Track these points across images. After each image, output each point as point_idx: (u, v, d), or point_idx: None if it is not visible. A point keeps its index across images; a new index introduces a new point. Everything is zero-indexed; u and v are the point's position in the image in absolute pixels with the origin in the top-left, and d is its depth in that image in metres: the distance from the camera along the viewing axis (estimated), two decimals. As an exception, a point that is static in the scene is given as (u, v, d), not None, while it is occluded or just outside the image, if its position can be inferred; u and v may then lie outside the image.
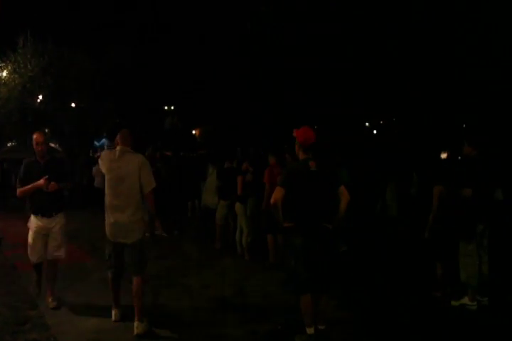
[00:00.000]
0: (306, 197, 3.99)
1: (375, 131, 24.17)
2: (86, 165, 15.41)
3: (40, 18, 20.48)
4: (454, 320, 4.68)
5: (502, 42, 11.62)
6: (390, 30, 14.01)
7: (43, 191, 4.72)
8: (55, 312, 4.74)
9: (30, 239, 4.91)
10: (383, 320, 4.66)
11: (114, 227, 4.37)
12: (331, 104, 16.53)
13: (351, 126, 19.14)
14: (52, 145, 18.96)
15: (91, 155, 20.63)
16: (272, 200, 4.02)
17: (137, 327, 4.22)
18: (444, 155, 8.24)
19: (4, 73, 18.11)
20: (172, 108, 30.24)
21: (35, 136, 4.88)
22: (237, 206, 7.25)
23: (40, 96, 18.66)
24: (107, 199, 4.40)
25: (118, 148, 4.46)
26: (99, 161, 4.56)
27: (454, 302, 5.00)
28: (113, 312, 4.56)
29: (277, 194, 3.99)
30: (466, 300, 4.94)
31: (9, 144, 22.57)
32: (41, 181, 4.69)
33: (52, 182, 4.71)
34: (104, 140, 26.09)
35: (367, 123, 23.46)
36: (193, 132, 31.14)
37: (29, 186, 4.78)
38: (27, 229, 4.97)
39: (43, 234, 4.88)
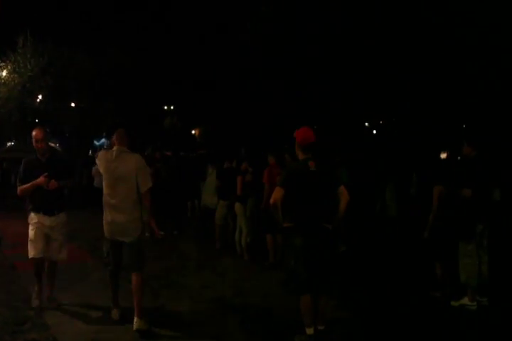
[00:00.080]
0: (305, 197, 3.99)
1: (374, 131, 24.17)
2: (85, 165, 15.42)
3: (40, 17, 20.50)
4: (454, 320, 4.68)
5: (502, 42, 11.62)
6: (390, 29, 14.01)
7: (44, 189, 4.62)
8: (55, 312, 4.73)
9: (31, 234, 4.76)
10: (383, 321, 4.66)
11: (112, 226, 4.41)
12: (331, 104, 16.53)
13: (351, 126, 19.13)
14: (52, 144, 18.95)
15: (90, 154, 20.64)
16: (271, 200, 4.02)
17: (137, 322, 4.24)
18: (443, 156, 8.24)
19: (4, 73, 18.12)
20: (172, 108, 30.26)
21: (34, 133, 4.73)
22: (237, 206, 7.25)
23: (40, 96, 18.67)
24: (105, 198, 4.44)
25: (115, 148, 4.48)
26: (97, 161, 4.58)
27: (453, 303, 5.00)
28: (112, 312, 4.56)
29: (277, 194, 3.99)
30: (465, 301, 4.94)
31: (9, 144, 22.59)
32: (41, 179, 4.60)
33: (53, 180, 4.61)
34: (103, 140, 26.11)
35: (366, 124, 23.45)
36: (193, 132, 31.15)
37: (29, 184, 4.67)
38: (27, 229, 4.89)
39: (45, 232, 4.77)
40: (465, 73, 12.69)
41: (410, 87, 14.47)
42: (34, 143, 4.73)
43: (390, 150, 15.47)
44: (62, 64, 18.43)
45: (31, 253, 4.73)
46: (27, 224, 4.93)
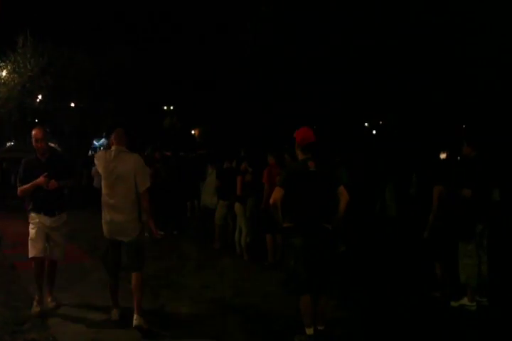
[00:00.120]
0: (305, 197, 3.99)
1: (374, 131, 24.18)
2: (85, 165, 15.41)
3: (40, 17, 20.47)
4: (454, 320, 4.68)
5: (502, 42, 11.62)
6: (390, 30, 14.02)
7: (44, 189, 4.58)
8: (55, 312, 4.73)
9: (32, 233, 4.70)
10: (383, 321, 4.66)
11: (110, 226, 4.42)
12: (331, 104, 16.53)
13: (351, 126, 19.14)
14: (52, 144, 18.94)
15: (90, 155, 20.64)
16: (271, 200, 4.02)
17: (136, 319, 4.26)
18: (443, 156, 8.24)
19: (4, 73, 18.10)
20: (171, 108, 30.24)
21: (34, 132, 4.67)
22: (237, 206, 7.25)
23: (40, 96, 18.66)
24: (104, 198, 4.45)
25: (113, 148, 4.48)
26: (95, 161, 4.58)
27: (453, 303, 5.00)
28: (112, 312, 4.56)
29: (276, 194, 3.99)
30: (465, 301, 4.94)
31: (9, 144, 22.59)
32: (41, 179, 4.57)
33: (53, 180, 4.57)
34: (103, 140, 26.09)
35: (366, 124, 23.46)
36: (192, 132, 31.14)
37: (29, 184, 4.62)
38: (27, 229, 4.87)
39: (46, 232, 4.72)
40: (465, 73, 12.69)
41: (410, 87, 14.48)
42: (34, 143, 4.67)
43: (389, 150, 15.48)
44: (62, 64, 18.41)
45: (32, 252, 4.67)
46: (27, 224, 4.91)
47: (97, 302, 4.95)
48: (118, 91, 19.43)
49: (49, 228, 4.74)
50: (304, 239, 3.96)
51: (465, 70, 12.59)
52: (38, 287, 4.72)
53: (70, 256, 5.14)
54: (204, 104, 22.93)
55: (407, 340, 4.30)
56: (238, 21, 17.54)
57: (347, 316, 4.74)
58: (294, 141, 4.23)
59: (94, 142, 26.08)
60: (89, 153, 22.00)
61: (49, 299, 4.89)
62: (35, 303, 4.67)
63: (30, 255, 4.67)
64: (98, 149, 22.55)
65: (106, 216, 4.44)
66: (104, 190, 4.45)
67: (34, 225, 4.72)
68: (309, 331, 3.95)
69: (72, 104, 19.68)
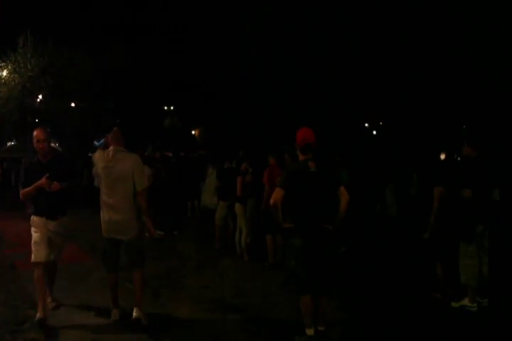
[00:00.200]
0: (305, 197, 3.99)
1: (374, 132, 24.19)
2: (86, 165, 15.41)
3: (40, 17, 20.46)
4: (454, 321, 4.68)
5: (502, 43, 11.62)
6: (390, 30, 14.02)
7: (47, 192, 4.42)
8: (55, 312, 4.73)
9: (35, 237, 4.52)
10: (383, 322, 4.65)
11: (109, 225, 4.43)
12: (331, 104, 16.53)
13: (351, 126, 19.14)
14: (52, 145, 18.94)
15: (90, 154, 20.63)
16: (271, 201, 4.01)
17: (136, 312, 4.29)
18: (443, 156, 8.24)
19: (4, 73, 18.13)
20: (172, 108, 30.24)
21: (35, 133, 4.51)
22: (237, 206, 7.24)
23: (40, 96, 18.68)
24: (102, 197, 4.46)
25: (111, 148, 4.47)
26: (94, 161, 4.57)
27: (454, 304, 4.99)
28: (112, 313, 4.55)
29: (277, 195, 3.99)
30: (466, 302, 4.93)
31: (9, 144, 22.59)
32: (43, 180, 4.40)
33: (55, 182, 4.40)
34: (103, 140, 26.05)
35: (366, 124, 23.47)
36: (193, 132, 31.14)
37: (31, 187, 4.46)
38: (27, 228, 4.80)
39: (48, 236, 4.57)
40: (465, 74, 12.70)
41: (410, 88, 14.48)
42: (35, 144, 4.53)
43: (389, 151, 15.48)
44: (62, 64, 18.43)
45: (36, 257, 4.48)
46: (27, 224, 4.86)
47: (97, 303, 4.95)
48: (118, 91, 19.45)
49: (52, 232, 4.59)
50: (305, 240, 3.96)
51: (465, 71, 12.59)
52: (40, 292, 4.45)
53: (70, 256, 5.14)
54: (205, 105, 22.94)
55: (408, 341, 4.31)
56: (238, 21, 17.53)
57: (347, 317, 4.74)
58: (295, 141, 4.23)
59: (95, 142, 26.05)
60: (90, 153, 21.99)
61: (49, 299, 4.87)
62: (39, 310, 4.41)
63: (34, 260, 4.48)
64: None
65: (105, 215, 4.45)
66: (102, 190, 4.45)
67: (37, 229, 4.57)
68: (310, 331, 3.95)
69: (73, 104, 19.70)
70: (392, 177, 10.60)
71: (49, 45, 18.16)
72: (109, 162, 4.40)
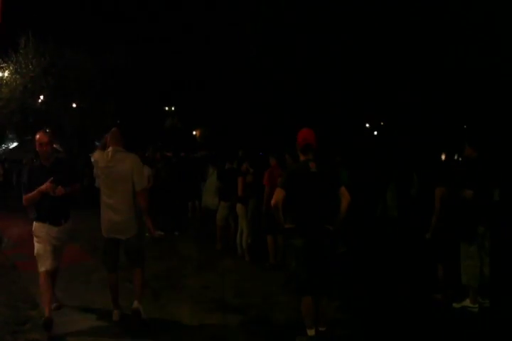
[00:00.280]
0: (306, 198, 3.99)
1: (375, 132, 24.17)
2: (87, 165, 15.42)
3: (42, 18, 20.52)
4: (456, 322, 4.67)
5: (503, 43, 11.61)
6: (390, 31, 14.01)
7: (50, 197, 4.29)
8: (55, 312, 4.71)
9: (39, 249, 4.40)
10: (384, 322, 4.65)
11: (109, 225, 4.45)
12: (332, 105, 16.53)
13: (352, 127, 19.14)
14: (54, 145, 18.97)
15: (90, 155, 20.66)
16: (272, 202, 4.01)
17: (135, 304, 4.34)
18: (444, 156, 8.24)
19: (6, 73, 18.16)
20: (172, 109, 30.27)
21: (38, 136, 4.40)
22: (239, 207, 7.24)
23: (42, 97, 18.70)
24: (102, 198, 4.47)
25: (110, 148, 4.47)
26: (93, 162, 4.57)
27: (455, 305, 4.98)
28: (113, 313, 4.55)
29: (278, 195, 3.98)
30: (467, 303, 4.92)
31: (10, 144, 22.62)
32: (47, 184, 4.27)
33: (60, 187, 4.29)
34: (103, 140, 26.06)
35: (367, 125, 23.46)
36: (194, 133, 31.16)
37: (35, 192, 4.31)
38: (27, 229, 4.81)
39: (53, 244, 4.45)
40: (466, 74, 12.69)
41: (411, 89, 14.47)
42: (38, 147, 4.41)
43: (390, 151, 15.48)
44: (63, 64, 18.46)
45: (43, 266, 4.38)
46: (27, 224, 4.89)
47: (97, 302, 4.95)
48: (119, 91, 19.47)
49: (54, 238, 4.48)
50: (305, 240, 3.95)
51: (466, 71, 12.58)
52: (46, 294, 4.38)
53: (70, 256, 5.13)
54: (205, 105, 22.95)
55: (409, 341, 4.30)
56: (238, 21, 17.54)
57: (348, 317, 4.73)
58: (296, 141, 4.23)
59: (96, 142, 26.08)
60: (90, 153, 22.03)
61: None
62: (47, 310, 4.32)
63: (41, 269, 4.39)
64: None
65: (104, 215, 4.46)
66: (102, 190, 4.47)
67: (40, 239, 4.43)
68: (311, 332, 3.94)
69: (74, 105, 19.72)
70: (393, 177, 10.60)
71: (50, 45, 18.19)
72: (109, 162, 4.41)
